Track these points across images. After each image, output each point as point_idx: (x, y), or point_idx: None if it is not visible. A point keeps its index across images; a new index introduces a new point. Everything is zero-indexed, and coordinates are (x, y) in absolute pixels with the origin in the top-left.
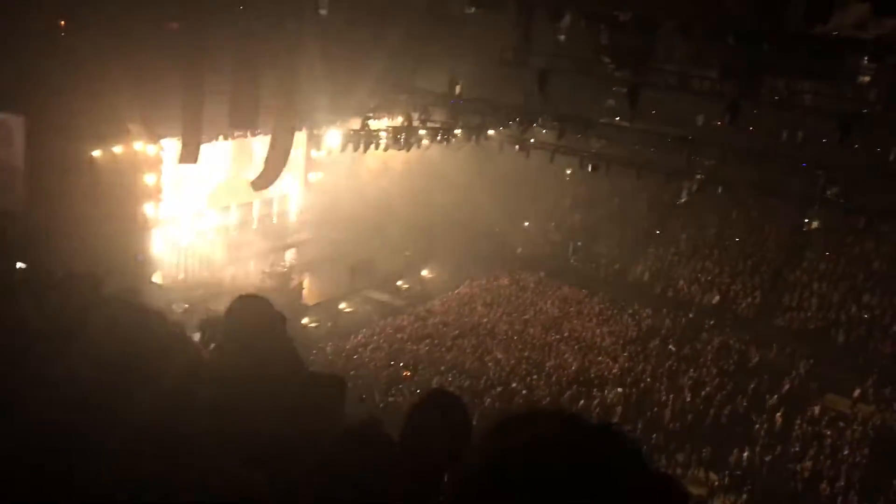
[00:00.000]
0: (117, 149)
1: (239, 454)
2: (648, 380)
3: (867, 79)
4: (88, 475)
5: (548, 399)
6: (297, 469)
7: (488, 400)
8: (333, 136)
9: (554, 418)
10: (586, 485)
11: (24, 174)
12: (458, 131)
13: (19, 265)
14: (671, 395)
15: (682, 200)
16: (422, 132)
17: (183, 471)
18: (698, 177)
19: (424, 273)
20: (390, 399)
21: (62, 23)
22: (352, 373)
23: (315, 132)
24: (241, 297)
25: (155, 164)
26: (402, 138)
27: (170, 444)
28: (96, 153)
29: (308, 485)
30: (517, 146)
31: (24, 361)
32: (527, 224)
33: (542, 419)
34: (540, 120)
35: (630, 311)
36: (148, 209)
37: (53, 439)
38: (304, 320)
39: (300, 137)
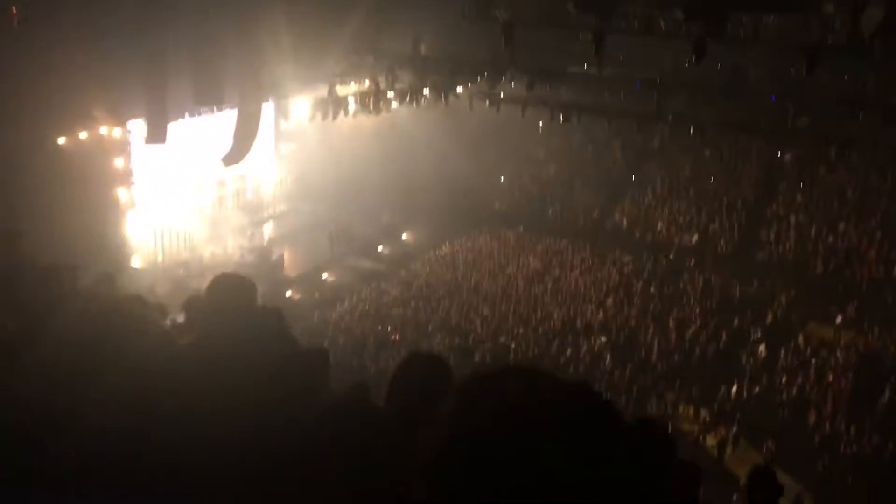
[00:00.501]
0: (83, 134)
1: (217, 433)
2: (633, 324)
3: (830, 8)
4: (57, 454)
5: (536, 351)
6: (282, 447)
7: (478, 356)
8: (301, 105)
9: (522, 379)
10: (561, 450)
11: None
12: (426, 91)
13: None
14: (657, 337)
15: (656, 145)
16: (390, 95)
17: (148, 450)
18: (669, 119)
19: (404, 236)
20: (380, 364)
21: (13, 9)
22: (340, 341)
23: (282, 101)
24: (217, 277)
25: (122, 147)
26: (371, 103)
27: (136, 424)
28: (61, 140)
29: (296, 462)
30: (487, 102)
31: None
32: (502, 179)
33: (510, 380)
34: (508, 73)
35: (611, 258)
36: (121, 193)
37: (24, 419)
38: (288, 293)
39: (268, 109)
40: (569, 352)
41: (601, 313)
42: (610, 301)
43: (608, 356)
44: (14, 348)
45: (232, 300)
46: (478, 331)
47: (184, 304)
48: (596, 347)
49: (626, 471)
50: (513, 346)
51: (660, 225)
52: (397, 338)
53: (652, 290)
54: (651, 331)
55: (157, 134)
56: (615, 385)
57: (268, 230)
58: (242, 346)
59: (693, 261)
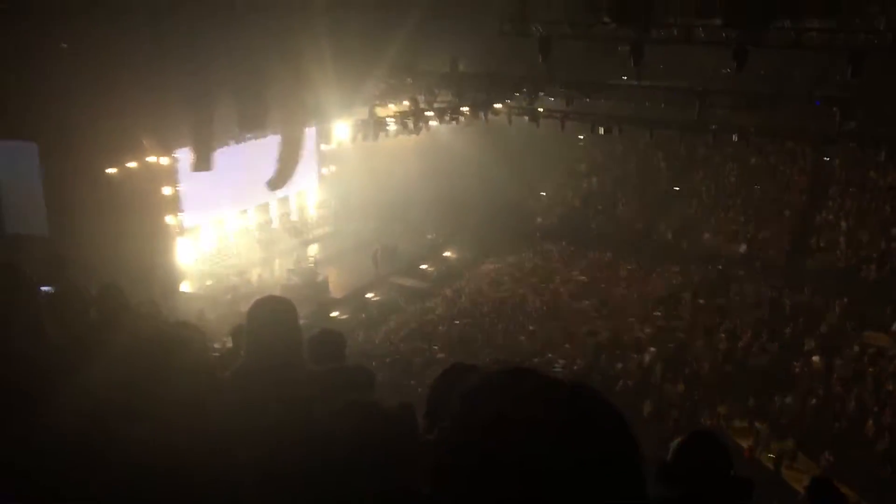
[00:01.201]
0: (131, 164)
1: (256, 451)
2: (683, 336)
3: (875, 10)
4: (97, 486)
5: (583, 365)
6: (315, 459)
7: None
8: (342, 127)
9: (520, 381)
10: (557, 454)
11: (44, 198)
12: (465, 109)
13: (45, 289)
14: (707, 349)
15: (701, 154)
16: (429, 114)
17: (187, 486)
18: (712, 128)
19: (448, 254)
20: (427, 383)
21: (64, 45)
22: (387, 360)
23: (324, 125)
24: (256, 301)
25: (170, 175)
26: (411, 122)
27: (178, 442)
28: (111, 170)
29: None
30: (526, 117)
31: (42, 386)
32: (543, 194)
33: (509, 383)
34: (546, 88)
35: (658, 271)
36: (169, 220)
37: (65, 451)
38: (334, 313)
39: (310, 133)
40: (619, 366)
41: (649, 326)
42: (658, 313)
43: (658, 369)
44: (69, 362)
45: (270, 323)
46: (524, 348)
47: (231, 330)
48: (646, 361)
49: (624, 473)
50: (560, 361)
51: (706, 235)
52: (443, 356)
53: (701, 301)
54: (701, 343)
55: (203, 161)
56: (667, 398)
57: (313, 252)
58: (284, 368)
59: (742, 271)
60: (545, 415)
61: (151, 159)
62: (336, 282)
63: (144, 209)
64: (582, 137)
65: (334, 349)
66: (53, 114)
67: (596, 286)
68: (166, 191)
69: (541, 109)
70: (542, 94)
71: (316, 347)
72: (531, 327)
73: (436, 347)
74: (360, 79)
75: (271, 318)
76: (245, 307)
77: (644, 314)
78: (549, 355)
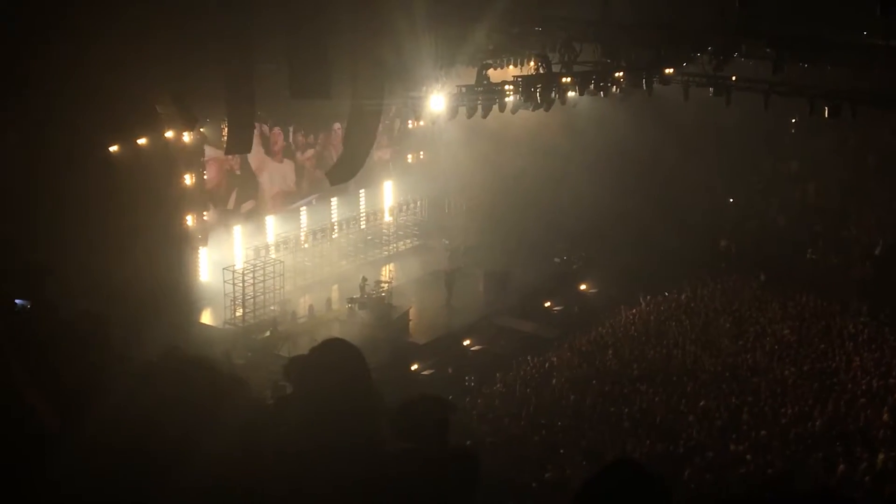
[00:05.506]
0: (142, 140)
1: None
2: None
3: None
4: None
5: (785, 465)
6: None
7: (688, 471)
8: (437, 98)
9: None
10: None
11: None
12: (619, 74)
13: (19, 302)
14: None
15: None
16: (566, 80)
17: None
18: None
19: (584, 287)
20: (547, 475)
21: None
22: (488, 440)
23: (412, 95)
24: (328, 342)
25: (194, 157)
26: (538, 91)
27: None
28: (114, 149)
29: None
30: (710, 89)
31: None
32: (732, 201)
33: (617, 479)
34: (744, 47)
35: None
36: (190, 221)
37: None
38: (415, 366)
39: (389, 103)
40: (840, 468)
41: (888, 413)
42: None
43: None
44: (46, 436)
45: (336, 380)
46: (693, 432)
47: (284, 369)
48: (879, 465)
49: None
50: (749, 457)
51: None
52: (573, 440)
53: None
54: None
55: (240, 140)
56: None
57: (387, 274)
58: (354, 444)
59: None
60: None
61: (169, 135)
62: (419, 320)
63: (155, 204)
64: (795, 122)
65: (430, 424)
66: (44, 67)
67: (809, 346)
68: (187, 179)
69: (734, 78)
70: (735, 54)
71: (409, 420)
72: (705, 402)
73: (561, 424)
74: (464, 27)
75: (337, 371)
76: (287, 351)
77: (880, 394)
78: (732, 447)
